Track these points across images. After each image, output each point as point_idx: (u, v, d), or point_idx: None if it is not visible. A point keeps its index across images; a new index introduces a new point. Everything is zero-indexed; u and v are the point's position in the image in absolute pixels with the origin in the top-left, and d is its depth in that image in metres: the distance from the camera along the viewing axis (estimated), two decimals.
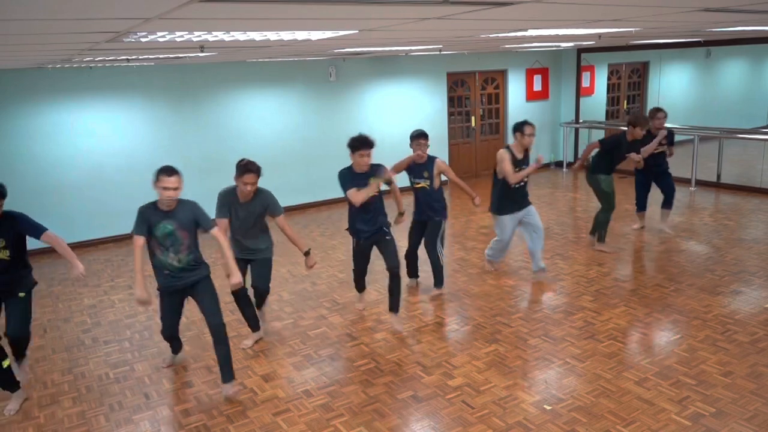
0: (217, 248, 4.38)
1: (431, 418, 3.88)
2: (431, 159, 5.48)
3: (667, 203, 7.37)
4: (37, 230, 4.14)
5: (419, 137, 5.43)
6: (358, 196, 4.82)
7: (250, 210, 4.61)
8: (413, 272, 6.08)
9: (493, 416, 3.86)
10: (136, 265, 4.01)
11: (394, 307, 5.15)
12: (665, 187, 7.29)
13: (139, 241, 3.98)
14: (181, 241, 4.05)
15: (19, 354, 4.41)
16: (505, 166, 5.65)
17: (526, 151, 5.80)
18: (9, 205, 4.11)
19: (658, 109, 7.00)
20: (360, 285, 5.61)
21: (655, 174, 7.19)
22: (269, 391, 4.28)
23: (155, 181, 3.89)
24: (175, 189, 3.91)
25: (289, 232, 4.73)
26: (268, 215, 4.75)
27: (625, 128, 6.65)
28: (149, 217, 4.01)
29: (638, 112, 7.09)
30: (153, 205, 4.04)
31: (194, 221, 4.09)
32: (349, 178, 4.92)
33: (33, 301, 4.40)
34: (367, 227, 5.05)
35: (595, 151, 6.77)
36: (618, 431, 3.64)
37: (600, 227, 6.88)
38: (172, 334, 4.50)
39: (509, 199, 5.80)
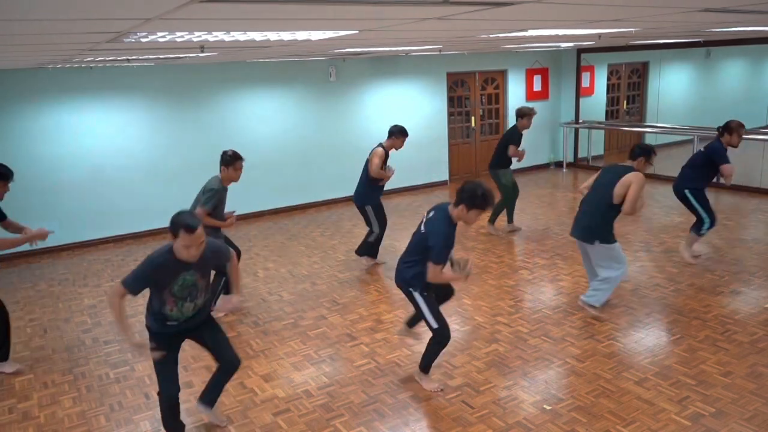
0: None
1: (431, 418, 3.88)
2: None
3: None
4: None
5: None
6: (444, 275, 3.95)
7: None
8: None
9: (493, 416, 3.86)
10: (119, 315, 3.39)
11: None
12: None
13: (127, 295, 3.32)
14: (200, 287, 3.47)
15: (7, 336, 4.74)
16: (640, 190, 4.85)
17: None
18: (9, 205, 4.16)
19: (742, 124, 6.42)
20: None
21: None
22: (269, 391, 4.29)
23: (175, 236, 3.21)
24: (201, 244, 3.24)
25: None
26: None
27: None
28: (165, 273, 3.31)
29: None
30: (169, 255, 3.29)
31: (213, 262, 3.56)
32: (450, 234, 3.93)
33: None
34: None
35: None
36: (618, 431, 3.65)
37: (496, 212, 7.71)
38: (177, 391, 3.57)
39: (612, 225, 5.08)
